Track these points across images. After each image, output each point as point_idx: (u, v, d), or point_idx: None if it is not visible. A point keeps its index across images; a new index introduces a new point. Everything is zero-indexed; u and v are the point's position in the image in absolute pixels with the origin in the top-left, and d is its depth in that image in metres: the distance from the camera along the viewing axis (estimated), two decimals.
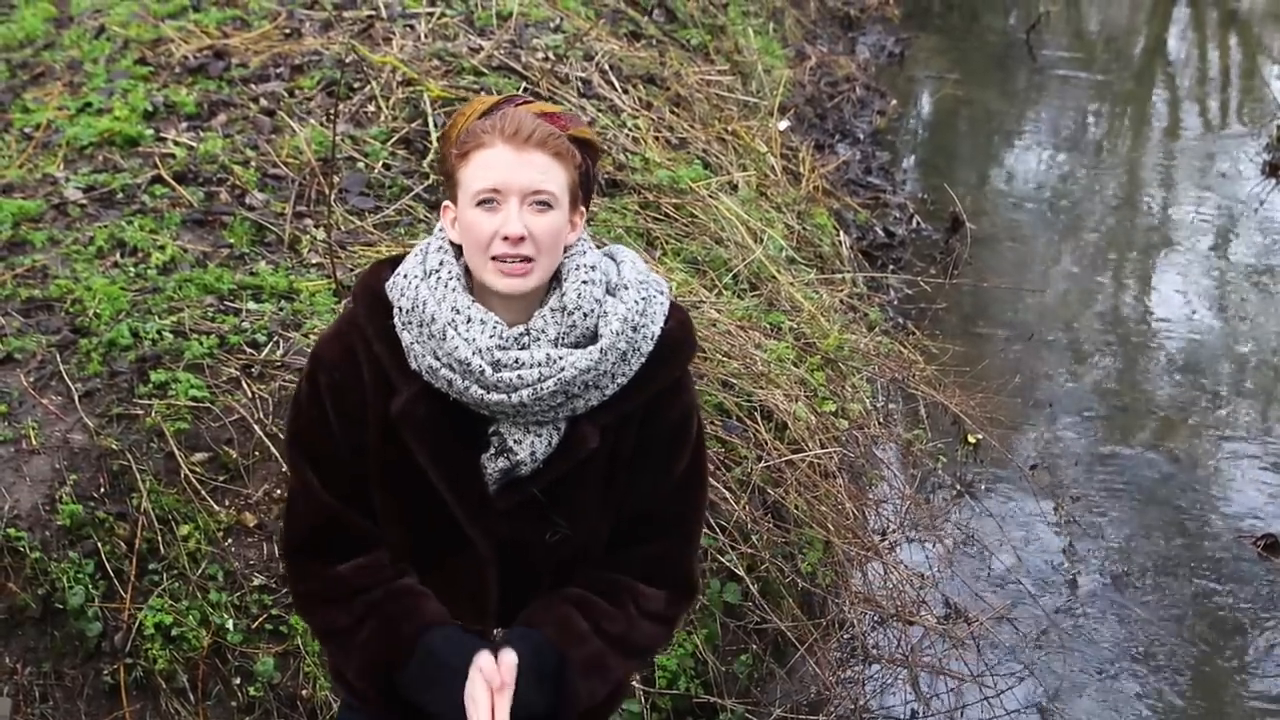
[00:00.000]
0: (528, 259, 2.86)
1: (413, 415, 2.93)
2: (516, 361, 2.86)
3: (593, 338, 2.91)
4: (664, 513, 3.06)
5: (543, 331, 2.90)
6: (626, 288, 2.97)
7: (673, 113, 7.66)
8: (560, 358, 2.87)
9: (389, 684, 3.00)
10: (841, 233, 8.32)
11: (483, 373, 2.85)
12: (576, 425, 2.94)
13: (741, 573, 5.12)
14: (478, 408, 2.90)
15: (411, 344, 2.91)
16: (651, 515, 3.05)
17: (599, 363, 2.88)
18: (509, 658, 2.90)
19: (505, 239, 2.84)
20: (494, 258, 2.86)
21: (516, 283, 2.87)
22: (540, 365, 2.86)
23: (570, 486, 2.98)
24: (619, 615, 3.02)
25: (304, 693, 4.60)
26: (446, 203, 2.99)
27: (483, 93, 6.83)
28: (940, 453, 6.61)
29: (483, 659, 2.90)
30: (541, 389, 2.86)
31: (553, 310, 2.92)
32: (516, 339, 2.89)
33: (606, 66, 7.53)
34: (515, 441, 2.92)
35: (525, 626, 2.98)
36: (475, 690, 2.87)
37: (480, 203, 2.87)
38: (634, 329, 2.92)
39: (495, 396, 2.87)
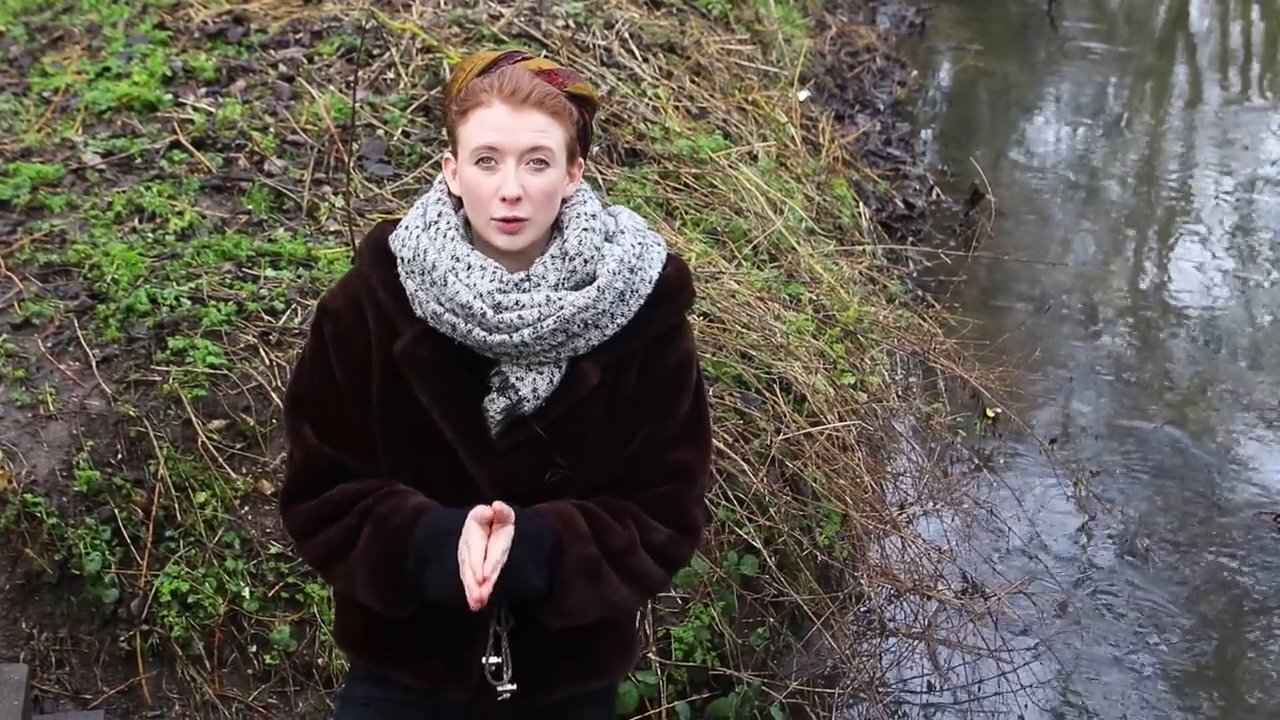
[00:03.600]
0: (523, 218, 2.92)
1: (414, 355, 2.98)
2: (517, 303, 2.93)
3: (591, 281, 2.98)
4: (668, 458, 3.08)
5: (543, 277, 2.96)
6: (623, 233, 3.05)
7: (693, 82, 7.63)
8: (560, 298, 2.93)
9: (396, 582, 2.99)
10: (861, 204, 8.29)
11: (484, 315, 2.91)
12: (577, 364, 2.99)
13: (759, 545, 5.11)
14: (481, 350, 2.96)
15: (415, 292, 2.97)
16: (656, 460, 3.08)
17: (597, 301, 2.94)
18: (507, 507, 2.89)
19: (503, 199, 2.90)
20: (492, 218, 2.92)
21: (512, 239, 2.94)
22: (540, 306, 2.92)
23: (571, 427, 3.01)
24: (621, 533, 3.02)
25: (320, 661, 4.60)
26: (448, 155, 3.04)
27: None
28: (959, 426, 6.58)
29: (475, 510, 2.89)
30: (542, 327, 2.91)
31: (553, 257, 2.98)
32: (517, 284, 2.95)
33: (627, 35, 7.49)
34: (518, 379, 2.97)
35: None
36: (469, 534, 2.88)
37: (479, 161, 2.92)
38: (631, 270, 2.99)
39: (497, 337, 2.92)
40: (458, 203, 3.03)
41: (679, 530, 3.09)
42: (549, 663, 3.13)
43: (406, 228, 3.02)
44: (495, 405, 2.98)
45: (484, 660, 3.07)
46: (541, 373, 2.97)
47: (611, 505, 3.04)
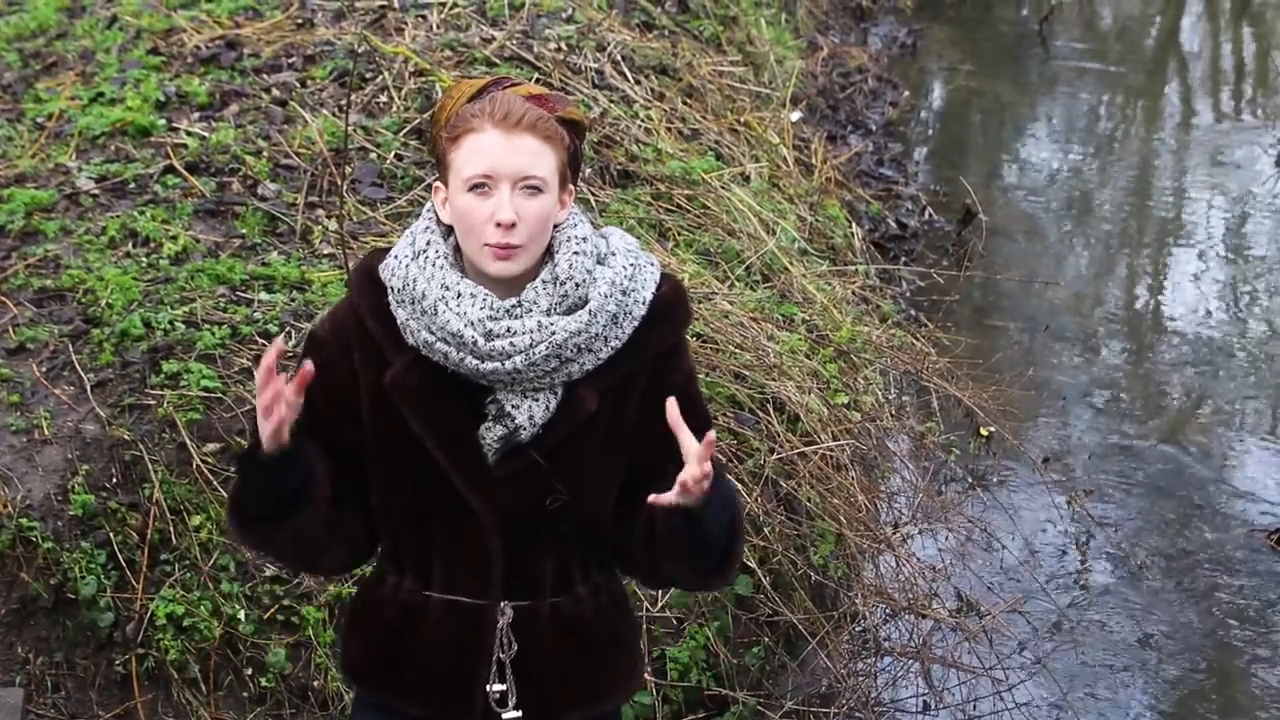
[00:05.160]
0: (518, 245, 2.90)
1: (405, 384, 2.96)
2: (508, 330, 2.90)
3: (584, 305, 2.95)
4: None
5: (534, 303, 2.94)
6: (614, 254, 3.02)
7: (685, 104, 7.65)
8: (552, 323, 2.90)
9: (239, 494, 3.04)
10: (854, 224, 8.31)
11: (475, 343, 2.89)
12: (574, 389, 2.97)
13: (754, 565, 5.11)
14: (475, 378, 2.94)
15: (406, 321, 2.95)
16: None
17: (589, 325, 2.92)
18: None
19: (498, 224, 2.88)
20: (486, 243, 2.90)
21: (507, 265, 2.91)
22: (532, 332, 2.90)
23: (570, 453, 2.99)
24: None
25: (315, 683, 4.60)
26: (437, 183, 3.01)
27: None
28: (952, 445, 6.59)
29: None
30: (534, 354, 2.89)
31: (544, 282, 2.95)
32: (509, 310, 2.92)
33: (619, 57, 7.51)
34: (514, 407, 2.94)
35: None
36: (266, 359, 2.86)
37: (472, 188, 2.89)
38: (623, 292, 2.97)
39: (490, 365, 2.90)
40: (447, 230, 3.00)
41: None
42: (556, 689, 3.12)
43: (396, 257, 3.00)
44: (492, 433, 2.96)
45: (488, 688, 3.06)
46: (537, 399, 2.95)
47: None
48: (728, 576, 3.13)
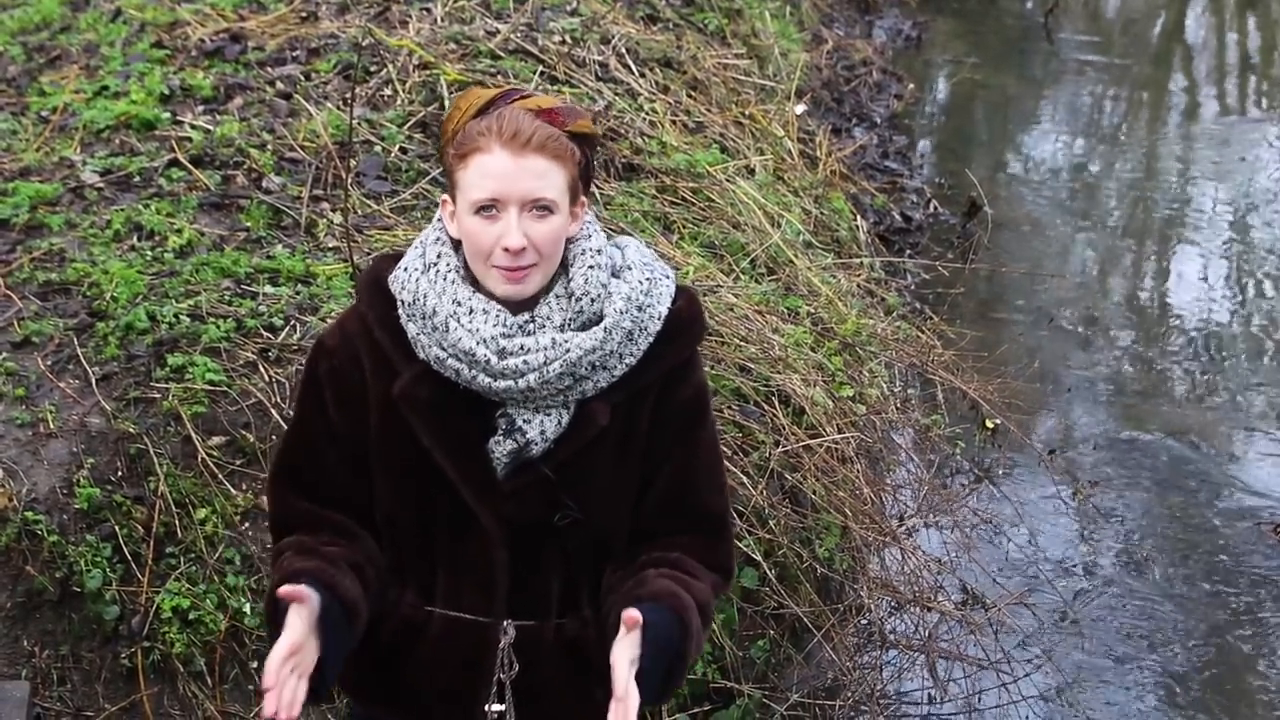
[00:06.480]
0: (527, 266, 2.84)
1: (414, 396, 2.92)
2: (522, 348, 2.85)
3: (598, 321, 2.90)
4: (703, 502, 3.07)
5: (548, 318, 2.89)
6: (630, 268, 2.96)
7: (690, 96, 7.64)
8: (566, 340, 2.86)
9: (274, 611, 2.93)
10: (858, 217, 8.30)
11: (488, 362, 2.84)
12: (586, 405, 2.93)
13: (759, 558, 5.11)
14: (487, 394, 2.90)
15: (417, 335, 2.91)
16: (690, 502, 3.05)
17: (604, 343, 2.87)
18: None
19: (506, 249, 2.82)
20: (495, 266, 2.85)
21: (517, 288, 2.86)
22: (546, 349, 2.85)
23: (580, 468, 2.96)
24: (702, 588, 2.99)
25: None
26: (445, 196, 2.95)
27: (499, 76, 6.82)
28: (958, 438, 6.59)
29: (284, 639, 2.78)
30: (548, 372, 2.85)
31: (558, 296, 2.91)
32: (521, 326, 2.88)
33: (623, 50, 7.51)
34: (525, 421, 2.91)
35: (652, 604, 2.87)
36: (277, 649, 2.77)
37: (479, 210, 2.83)
38: (639, 308, 2.92)
39: (502, 383, 2.86)
40: (457, 242, 2.94)
41: (722, 577, 3.08)
42: (557, 710, 3.09)
43: (406, 269, 2.95)
44: (501, 447, 2.92)
45: (487, 708, 3.04)
46: (549, 415, 2.91)
47: (688, 581, 2.97)
48: (664, 698, 3.04)
